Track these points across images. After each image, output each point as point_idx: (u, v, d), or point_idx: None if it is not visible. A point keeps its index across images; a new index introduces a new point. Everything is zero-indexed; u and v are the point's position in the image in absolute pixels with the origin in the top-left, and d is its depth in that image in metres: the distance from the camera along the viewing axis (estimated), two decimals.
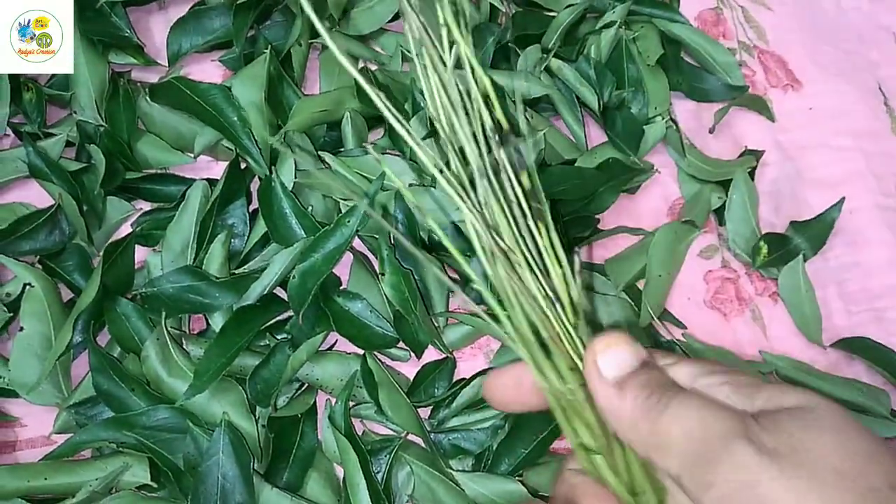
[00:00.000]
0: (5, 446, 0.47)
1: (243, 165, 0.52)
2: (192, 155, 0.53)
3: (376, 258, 0.49)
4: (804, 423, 0.22)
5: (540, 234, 0.28)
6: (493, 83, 0.28)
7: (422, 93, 0.37)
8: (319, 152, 0.52)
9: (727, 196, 0.54)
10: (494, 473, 0.46)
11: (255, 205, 0.52)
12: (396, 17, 0.57)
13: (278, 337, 0.48)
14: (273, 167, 0.51)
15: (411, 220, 0.49)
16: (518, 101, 0.53)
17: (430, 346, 0.49)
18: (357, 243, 0.51)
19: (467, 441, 0.47)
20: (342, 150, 0.53)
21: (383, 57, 0.57)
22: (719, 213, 0.55)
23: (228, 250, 0.49)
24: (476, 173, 0.27)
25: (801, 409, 0.22)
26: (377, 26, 0.57)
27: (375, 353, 0.48)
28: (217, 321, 0.48)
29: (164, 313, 0.46)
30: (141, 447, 0.44)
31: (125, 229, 0.52)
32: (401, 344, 0.49)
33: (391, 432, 0.48)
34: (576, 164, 0.54)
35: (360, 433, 0.46)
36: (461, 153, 0.28)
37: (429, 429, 0.47)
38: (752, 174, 0.55)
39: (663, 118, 0.56)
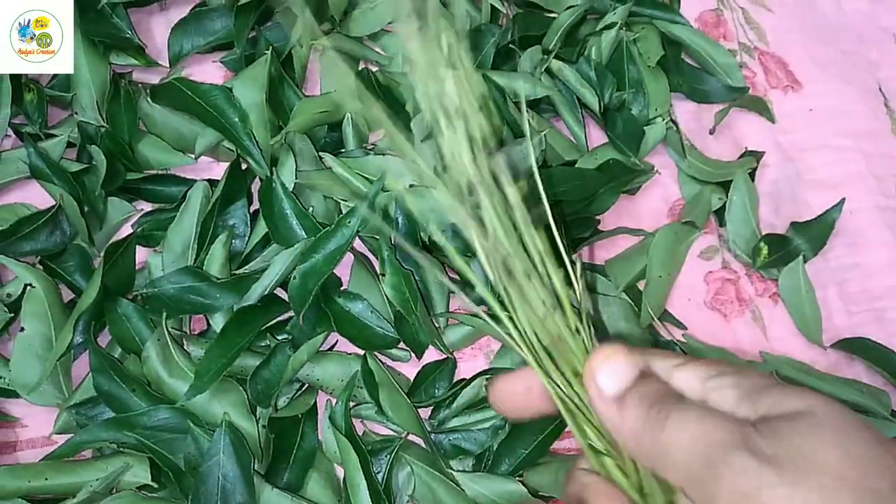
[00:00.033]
0: (6, 446, 0.47)
1: (244, 166, 0.52)
2: (192, 156, 0.53)
3: (377, 259, 0.49)
4: (803, 427, 0.22)
5: (540, 237, 0.28)
6: (494, 84, 0.28)
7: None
8: (320, 153, 0.52)
9: (727, 197, 0.55)
10: (495, 474, 0.46)
11: (255, 205, 0.52)
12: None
13: (279, 337, 0.48)
14: (274, 168, 0.51)
15: (412, 221, 0.49)
16: (521, 103, 0.53)
17: (430, 347, 0.49)
18: (358, 244, 0.51)
19: (468, 441, 0.47)
20: (343, 150, 0.53)
21: (384, 58, 0.57)
22: (720, 214, 0.55)
23: (229, 251, 0.49)
24: (474, 179, 0.27)
25: (801, 413, 0.22)
26: (378, 27, 0.57)
27: (376, 353, 0.48)
28: (218, 322, 0.48)
29: (164, 314, 0.46)
30: (142, 447, 0.44)
31: (126, 230, 0.52)
32: (401, 344, 0.49)
33: (392, 433, 0.48)
34: (576, 165, 0.54)
35: (360, 433, 0.46)
36: (460, 158, 0.27)
37: (429, 429, 0.47)
38: (752, 175, 0.56)
39: (664, 119, 0.56)
